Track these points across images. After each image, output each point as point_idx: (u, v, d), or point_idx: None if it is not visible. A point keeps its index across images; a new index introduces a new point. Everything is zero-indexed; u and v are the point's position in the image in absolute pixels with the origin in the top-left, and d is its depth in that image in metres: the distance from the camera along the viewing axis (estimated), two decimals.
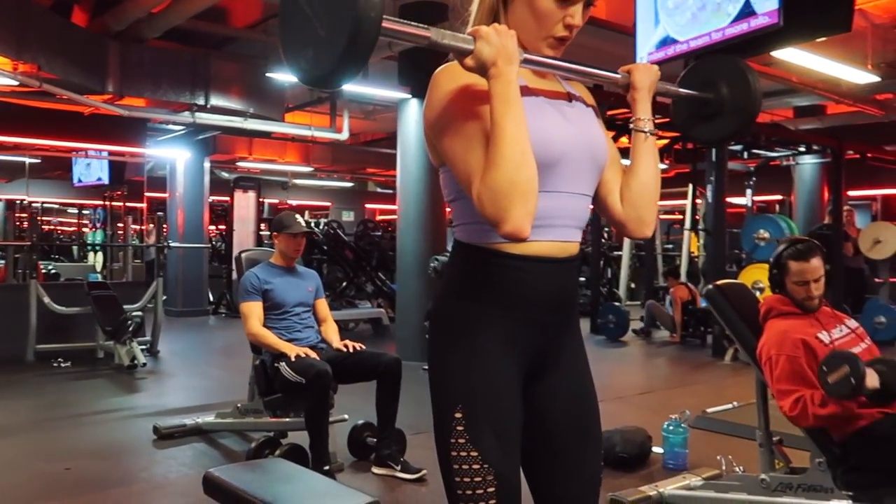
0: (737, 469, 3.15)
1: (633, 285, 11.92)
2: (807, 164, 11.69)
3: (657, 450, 3.66)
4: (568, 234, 1.27)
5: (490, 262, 1.22)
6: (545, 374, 1.29)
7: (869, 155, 10.09)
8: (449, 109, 1.19)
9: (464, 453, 1.19)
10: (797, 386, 2.38)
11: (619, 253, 11.16)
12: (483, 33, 1.11)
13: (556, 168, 1.22)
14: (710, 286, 2.84)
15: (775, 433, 2.75)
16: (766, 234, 7.14)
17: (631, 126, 1.35)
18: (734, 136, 1.53)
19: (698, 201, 10.62)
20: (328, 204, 17.34)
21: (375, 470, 3.41)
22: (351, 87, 6.89)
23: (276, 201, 15.58)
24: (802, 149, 10.17)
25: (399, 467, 3.33)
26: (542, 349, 1.28)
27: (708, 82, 1.52)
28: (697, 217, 9.53)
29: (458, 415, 1.20)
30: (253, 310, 3.49)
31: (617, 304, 9.22)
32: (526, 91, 1.23)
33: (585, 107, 1.34)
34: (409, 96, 6.46)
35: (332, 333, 3.66)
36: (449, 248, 7.56)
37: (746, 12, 3.77)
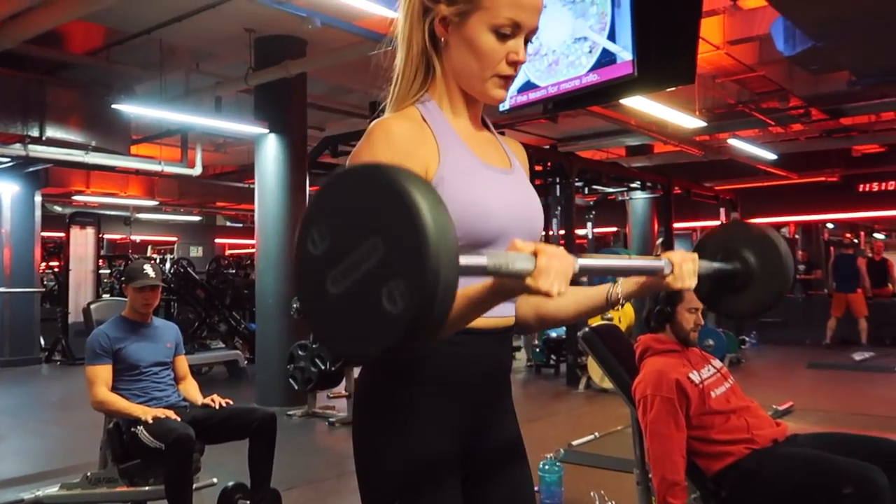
0: (610, 503, 3.27)
1: None
2: (639, 199, 12.59)
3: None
4: (505, 307, 1.21)
5: None
6: (482, 452, 1.23)
7: (693, 190, 11.07)
8: None
9: None
10: (669, 429, 2.50)
11: None
12: (547, 273, 0.94)
13: (496, 243, 1.14)
14: (587, 329, 2.93)
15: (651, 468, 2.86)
16: None
17: (610, 290, 1.25)
18: (772, 306, 1.39)
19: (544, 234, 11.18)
20: (174, 238, 16.48)
21: None
22: (205, 121, 6.59)
23: (118, 237, 14.57)
24: (636, 185, 10.96)
25: None
26: (480, 426, 1.21)
27: (730, 252, 1.41)
28: None
29: None
30: (99, 375, 3.17)
31: None
32: (470, 157, 1.16)
33: (523, 172, 1.28)
34: (267, 131, 6.26)
35: (193, 391, 3.42)
36: None
37: (604, 62, 3.97)
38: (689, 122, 7.40)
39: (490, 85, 1.16)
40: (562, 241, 9.99)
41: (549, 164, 8.28)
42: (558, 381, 7.91)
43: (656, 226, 12.91)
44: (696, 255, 1.24)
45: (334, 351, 0.80)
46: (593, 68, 4.07)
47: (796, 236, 15.07)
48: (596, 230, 12.67)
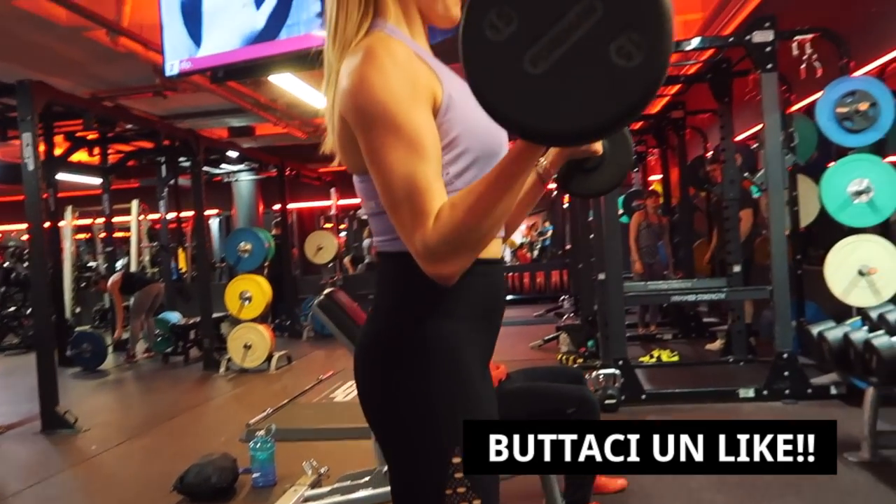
0: (322, 470, 3.32)
1: (77, 310, 10.82)
2: (245, 181, 12.52)
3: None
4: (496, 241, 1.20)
5: None
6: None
7: (302, 172, 11.32)
8: (392, 100, 0.98)
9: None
10: None
11: None
12: None
13: (497, 158, 1.05)
14: (322, 297, 2.90)
15: None
16: (249, 246, 7.39)
17: (539, 168, 1.34)
18: (614, 187, 1.57)
19: (152, 217, 10.28)
20: None
21: None
22: None
23: None
24: (244, 166, 10.75)
25: None
26: (492, 347, 1.19)
27: None
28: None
29: (455, 460, 1.02)
30: None
31: (90, 330, 8.37)
32: (454, 75, 1.12)
33: None
34: None
35: None
36: None
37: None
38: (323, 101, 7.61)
39: (450, 2, 1.16)
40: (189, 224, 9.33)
41: (175, 141, 7.77)
42: (193, 367, 7.47)
43: (262, 206, 12.96)
44: None
45: (550, 131, 0.74)
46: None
47: None
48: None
